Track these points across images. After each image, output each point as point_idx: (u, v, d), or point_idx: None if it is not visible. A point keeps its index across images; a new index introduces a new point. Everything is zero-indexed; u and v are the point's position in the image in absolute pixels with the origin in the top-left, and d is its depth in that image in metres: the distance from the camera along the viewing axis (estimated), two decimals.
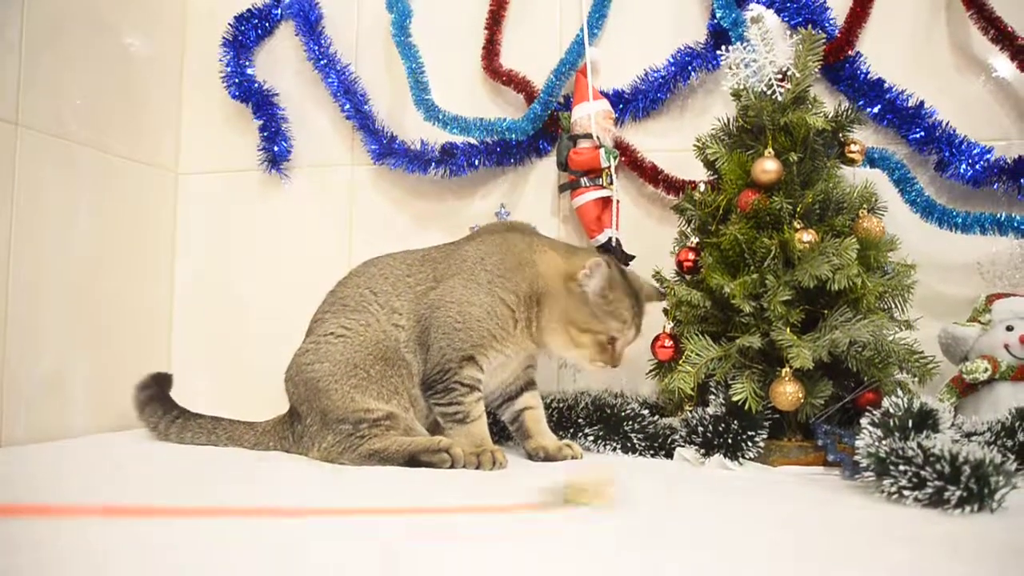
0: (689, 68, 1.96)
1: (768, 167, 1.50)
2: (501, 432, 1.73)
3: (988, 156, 1.76)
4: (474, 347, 1.51)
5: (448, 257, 1.61)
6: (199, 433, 1.66)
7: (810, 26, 1.77)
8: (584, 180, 1.88)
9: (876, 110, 1.85)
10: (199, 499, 1.16)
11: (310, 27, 2.17)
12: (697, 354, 1.49)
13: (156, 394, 1.73)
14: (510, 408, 1.64)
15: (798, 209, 1.50)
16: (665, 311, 1.67)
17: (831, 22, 1.89)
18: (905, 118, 1.83)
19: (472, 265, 1.57)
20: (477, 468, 1.42)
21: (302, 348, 1.60)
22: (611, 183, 1.87)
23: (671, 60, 1.97)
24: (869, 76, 1.86)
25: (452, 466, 1.41)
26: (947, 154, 1.78)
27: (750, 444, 1.47)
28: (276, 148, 2.18)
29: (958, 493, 1.06)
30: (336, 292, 1.65)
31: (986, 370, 1.57)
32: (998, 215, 1.70)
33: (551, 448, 1.56)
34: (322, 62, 2.15)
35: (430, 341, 1.53)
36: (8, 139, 1.72)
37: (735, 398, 1.44)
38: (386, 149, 2.09)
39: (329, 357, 1.52)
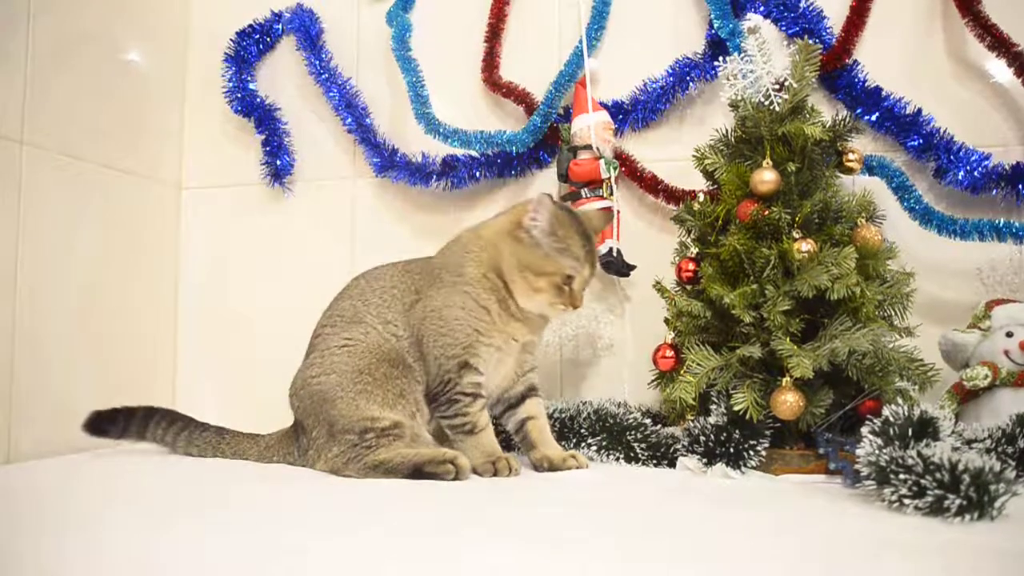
0: (687, 78, 1.97)
1: (766, 177, 1.51)
2: (506, 441, 1.75)
3: (986, 162, 1.77)
4: (465, 349, 1.52)
5: (424, 270, 1.64)
6: (205, 447, 1.68)
7: (807, 35, 1.77)
8: (585, 191, 1.89)
9: (874, 118, 1.86)
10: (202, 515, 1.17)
11: (311, 42, 2.19)
12: (698, 364, 1.50)
13: (145, 414, 1.71)
14: (513, 417, 1.64)
15: (797, 219, 1.51)
16: (666, 321, 1.68)
17: (828, 31, 1.90)
18: (903, 125, 1.84)
19: (439, 273, 1.59)
20: (495, 475, 1.46)
21: (307, 363, 1.61)
22: (611, 194, 1.89)
23: (670, 70, 1.98)
24: (867, 84, 1.87)
25: (456, 478, 1.42)
26: (945, 161, 1.79)
27: (752, 453, 1.47)
28: (279, 162, 2.20)
29: (958, 501, 1.06)
30: (332, 307, 1.66)
31: (986, 376, 1.58)
32: (997, 221, 1.70)
33: (556, 459, 1.56)
34: (323, 76, 2.16)
35: (425, 352, 1.55)
36: (13, 156, 1.74)
37: (736, 407, 1.45)
38: (388, 162, 2.11)
39: (335, 368, 1.54)
